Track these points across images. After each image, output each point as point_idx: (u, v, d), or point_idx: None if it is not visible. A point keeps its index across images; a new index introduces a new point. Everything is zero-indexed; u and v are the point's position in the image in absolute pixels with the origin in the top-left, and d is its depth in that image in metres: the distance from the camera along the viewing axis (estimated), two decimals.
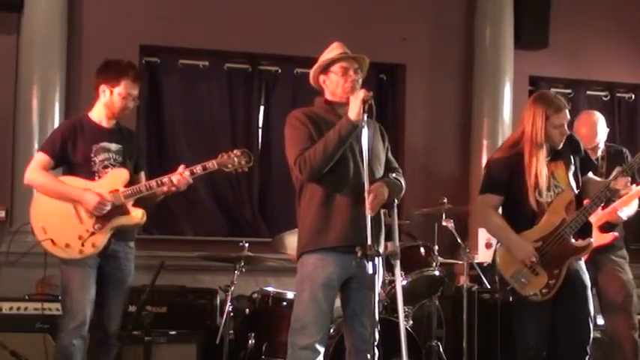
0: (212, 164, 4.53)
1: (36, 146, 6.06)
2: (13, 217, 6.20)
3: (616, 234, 5.12)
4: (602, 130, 5.34)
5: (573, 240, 4.43)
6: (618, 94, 7.70)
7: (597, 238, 5.02)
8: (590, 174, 4.66)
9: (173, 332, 5.56)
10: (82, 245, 4.42)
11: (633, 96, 7.74)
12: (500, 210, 4.53)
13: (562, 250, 4.40)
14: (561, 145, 4.51)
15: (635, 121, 7.72)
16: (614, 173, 4.55)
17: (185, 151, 6.62)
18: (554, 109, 4.45)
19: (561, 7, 7.18)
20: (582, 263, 4.54)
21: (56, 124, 6.10)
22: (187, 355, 5.54)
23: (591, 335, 4.46)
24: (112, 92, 4.53)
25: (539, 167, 4.42)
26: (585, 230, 4.51)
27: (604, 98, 7.66)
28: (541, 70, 7.39)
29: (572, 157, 4.55)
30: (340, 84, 4.07)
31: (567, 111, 4.50)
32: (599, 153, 5.28)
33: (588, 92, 7.63)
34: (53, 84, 6.21)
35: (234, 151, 4.57)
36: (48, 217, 4.48)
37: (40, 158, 4.55)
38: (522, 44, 7.12)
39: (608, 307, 5.19)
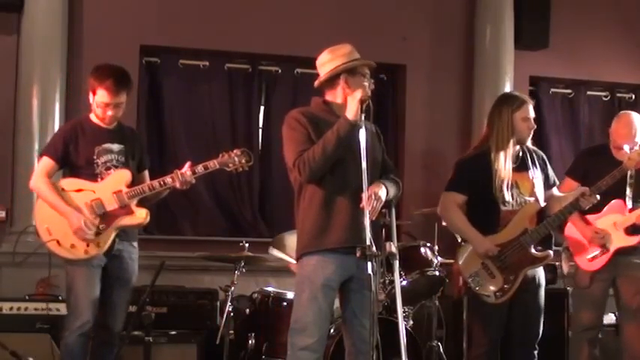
0: (213, 164, 4.58)
1: (36, 147, 6.07)
2: (13, 217, 6.19)
3: None
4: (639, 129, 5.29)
5: (533, 250, 4.57)
6: (619, 95, 7.70)
7: (622, 240, 5.06)
8: (555, 190, 4.80)
9: (173, 332, 5.57)
10: (87, 246, 4.48)
11: (634, 96, 7.74)
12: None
13: (520, 258, 4.55)
14: (528, 142, 4.64)
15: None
16: (578, 191, 4.66)
17: (185, 151, 6.62)
18: (518, 103, 4.61)
19: (562, 7, 7.18)
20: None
21: (56, 125, 6.11)
22: (187, 356, 5.55)
23: (540, 333, 4.65)
24: (93, 100, 4.59)
25: (506, 164, 4.53)
26: (546, 242, 4.63)
27: (604, 98, 7.66)
28: (541, 71, 7.39)
29: (538, 173, 4.67)
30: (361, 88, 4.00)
31: (531, 106, 4.63)
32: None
33: (589, 92, 7.63)
34: (53, 84, 6.20)
35: (235, 151, 4.61)
36: (52, 219, 4.52)
37: (44, 163, 4.59)
38: (523, 44, 7.12)
39: (623, 310, 5.22)
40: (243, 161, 4.59)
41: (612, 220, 5.06)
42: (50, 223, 4.53)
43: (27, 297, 5.51)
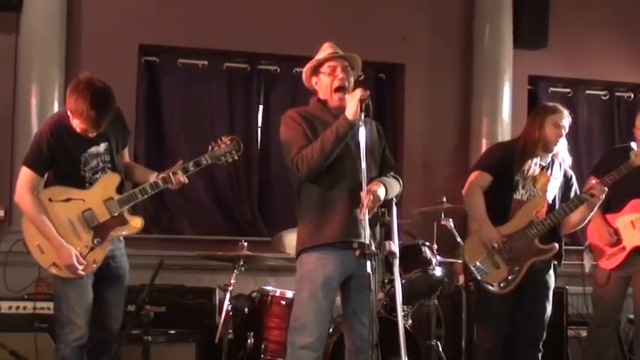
0: (205, 159, 4.47)
1: None
2: (12, 216, 6.19)
3: None
4: None
5: (538, 242, 4.67)
6: (617, 94, 7.70)
7: (636, 238, 5.07)
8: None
9: (172, 331, 5.57)
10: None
11: (632, 95, 7.74)
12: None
13: (526, 249, 4.67)
14: (555, 149, 4.80)
15: (634, 121, 7.69)
16: (590, 183, 4.79)
17: (184, 151, 6.61)
18: (554, 109, 4.83)
19: (560, 6, 7.18)
20: (550, 264, 4.76)
21: None
22: (186, 355, 5.55)
23: (544, 333, 4.74)
24: (72, 119, 4.22)
25: (532, 160, 4.72)
26: (554, 235, 4.73)
27: (603, 97, 7.66)
28: (540, 70, 7.39)
29: (560, 176, 4.83)
30: (329, 84, 4.09)
31: (567, 117, 4.81)
32: None
33: (587, 91, 7.63)
34: (52, 83, 6.20)
35: (224, 139, 4.50)
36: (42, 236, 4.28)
37: (27, 176, 4.30)
38: (521, 44, 7.12)
39: (636, 308, 5.23)
40: (234, 152, 4.49)
41: (630, 218, 5.09)
42: (41, 240, 4.27)
43: (26, 296, 5.51)
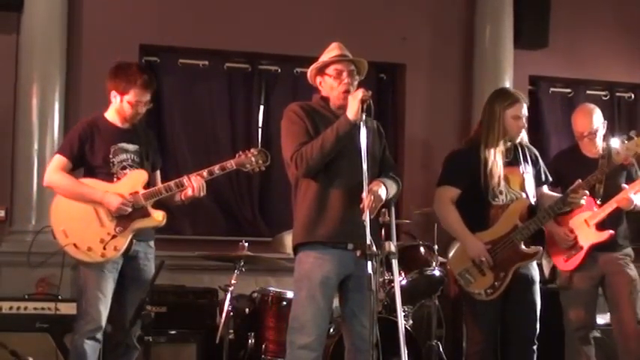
0: (230, 164, 4.57)
1: (36, 146, 6.07)
2: (12, 216, 6.19)
3: (611, 232, 5.06)
4: (598, 119, 5.28)
5: (523, 246, 4.55)
6: (618, 94, 7.70)
7: (594, 236, 5.06)
8: (545, 188, 4.79)
9: (173, 332, 5.57)
10: (104, 249, 4.44)
11: (633, 95, 7.74)
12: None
13: (511, 254, 4.55)
14: (519, 140, 4.63)
15: (634, 121, 7.72)
16: (573, 185, 4.64)
17: (185, 151, 6.63)
18: (511, 101, 4.58)
19: (561, 6, 7.18)
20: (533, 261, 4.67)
21: (56, 124, 6.12)
22: (187, 355, 5.55)
23: (537, 329, 4.64)
24: (122, 99, 4.54)
25: (496, 159, 4.52)
26: (537, 238, 4.63)
27: (604, 98, 7.66)
28: (541, 70, 7.39)
29: (530, 168, 4.66)
30: (334, 87, 4.10)
31: (525, 105, 4.60)
32: (600, 151, 5.26)
33: (588, 92, 7.62)
34: (53, 84, 6.20)
35: (252, 151, 4.59)
36: (69, 221, 4.50)
37: (58, 161, 4.55)
38: (522, 44, 7.12)
39: (615, 301, 5.18)
40: (260, 162, 4.58)
41: (583, 217, 5.06)
42: (67, 225, 4.49)
43: (26, 296, 5.51)
